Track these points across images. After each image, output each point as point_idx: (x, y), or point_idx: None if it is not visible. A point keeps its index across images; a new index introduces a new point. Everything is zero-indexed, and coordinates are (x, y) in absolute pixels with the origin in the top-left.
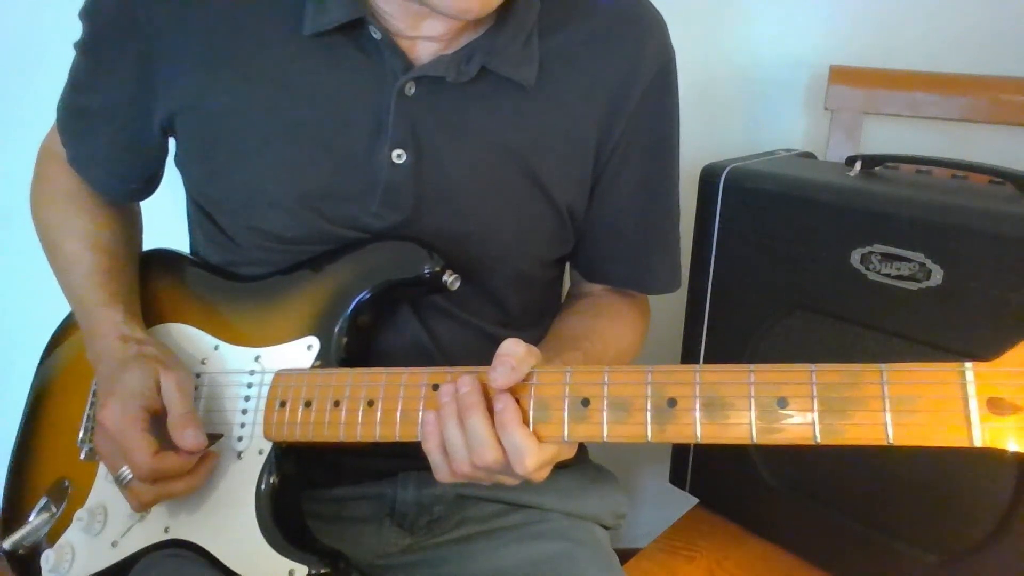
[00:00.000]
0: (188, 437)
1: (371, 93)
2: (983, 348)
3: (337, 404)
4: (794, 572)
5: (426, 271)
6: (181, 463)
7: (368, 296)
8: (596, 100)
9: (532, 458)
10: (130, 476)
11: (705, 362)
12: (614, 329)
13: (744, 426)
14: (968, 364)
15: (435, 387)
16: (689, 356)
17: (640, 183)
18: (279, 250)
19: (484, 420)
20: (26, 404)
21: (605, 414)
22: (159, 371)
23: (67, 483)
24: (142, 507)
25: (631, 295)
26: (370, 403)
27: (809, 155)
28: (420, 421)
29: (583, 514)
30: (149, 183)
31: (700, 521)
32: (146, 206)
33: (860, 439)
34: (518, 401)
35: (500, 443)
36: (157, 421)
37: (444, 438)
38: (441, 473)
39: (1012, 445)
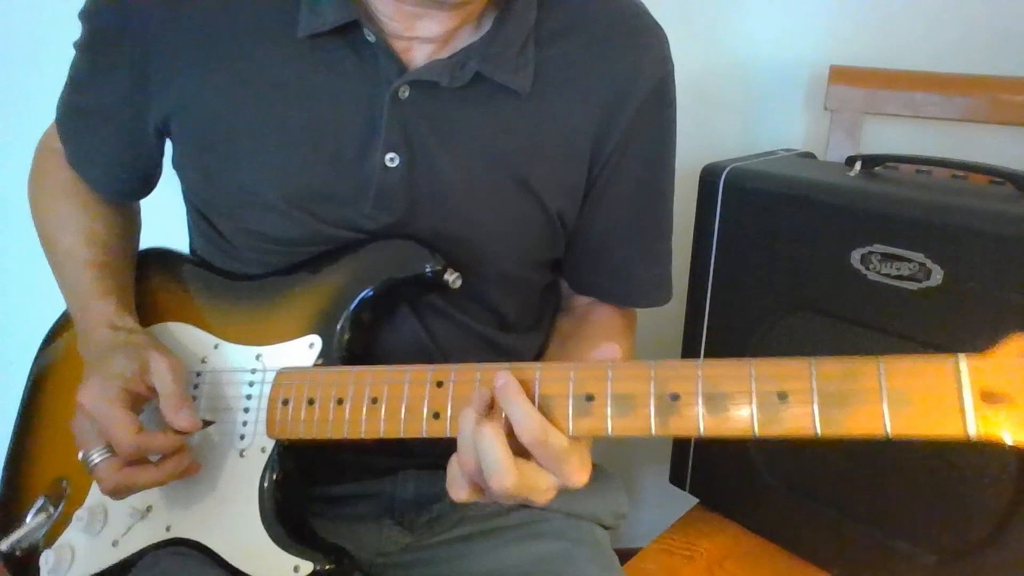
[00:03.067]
0: (183, 416)
1: (365, 96)
2: (983, 348)
3: (341, 402)
4: (794, 572)
5: (428, 270)
6: (167, 443)
7: (371, 294)
8: (591, 109)
9: (534, 425)
10: (97, 460)
11: None
12: (614, 348)
13: (746, 419)
14: (962, 356)
15: (439, 384)
16: (689, 356)
17: (632, 195)
18: (275, 252)
19: (495, 436)
20: (21, 403)
21: (609, 409)
22: (148, 354)
23: (65, 483)
24: (108, 493)
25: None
26: (374, 400)
27: (809, 155)
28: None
29: (583, 514)
30: (146, 183)
31: (700, 521)
32: (146, 206)
33: (859, 431)
34: (553, 399)
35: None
36: (140, 405)
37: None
38: (462, 490)
39: (1006, 436)
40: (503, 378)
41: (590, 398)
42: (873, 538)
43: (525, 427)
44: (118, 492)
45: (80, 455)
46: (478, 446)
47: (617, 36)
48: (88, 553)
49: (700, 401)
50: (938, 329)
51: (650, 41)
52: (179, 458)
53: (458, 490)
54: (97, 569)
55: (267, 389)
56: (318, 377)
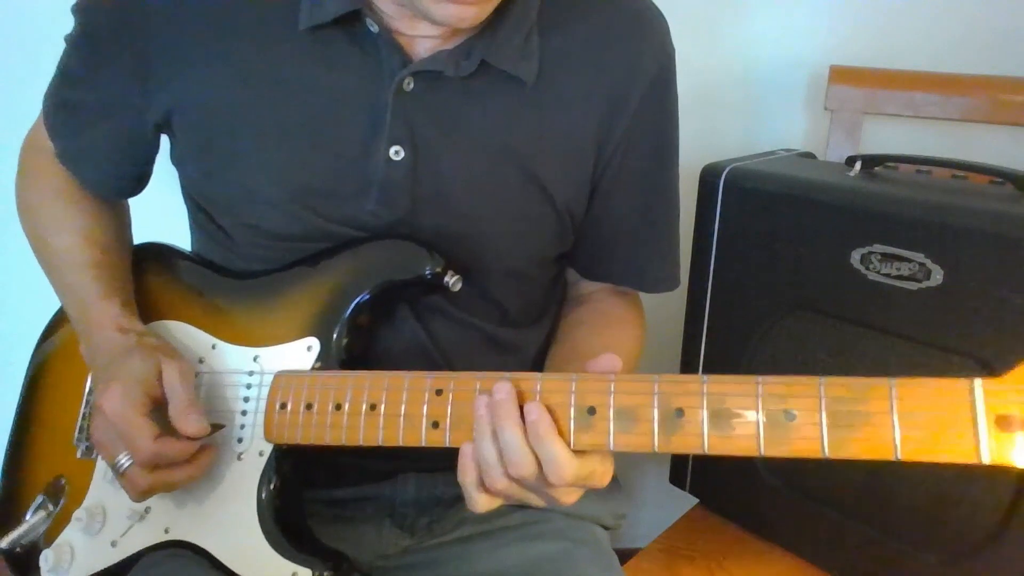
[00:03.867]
0: (191, 423)
1: (368, 89)
2: (983, 348)
3: (339, 407)
4: (794, 572)
5: (427, 272)
6: (181, 449)
7: (368, 297)
8: (596, 99)
9: (568, 470)
10: (127, 463)
11: (706, 361)
12: (628, 338)
13: (751, 438)
14: (978, 381)
15: (438, 392)
16: (689, 356)
17: (641, 183)
18: (276, 248)
19: (518, 429)
20: (19, 402)
21: (611, 423)
22: (160, 359)
23: (63, 481)
24: (139, 495)
25: (627, 294)
26: (372, 407)
27: (809, 155)
28: (460, 451)
29: (583, 514)
30: (139, 180)
31: (700, 521)
32: (146, 206)
33: (868, 454)
34: (554, 412)
35: (535, 455)
36: (157, 409)
37: (479, 457)
38: (477, 502)
39: (1018, 461)
40: (535, 412)
41: (592, 411)
42: (873, 538)
43: (556, 469)
44: (147, 495)
45: (104, 471)
46: (500, 434)
47: (618, 24)
48: (87, 553)
49: (705, 418)
50: (938, 329)
51: (652, 28)
52: (207, 455)
53: (474, 501)
54: (96, 569)
55: (265, 392)
56: (316, 381)
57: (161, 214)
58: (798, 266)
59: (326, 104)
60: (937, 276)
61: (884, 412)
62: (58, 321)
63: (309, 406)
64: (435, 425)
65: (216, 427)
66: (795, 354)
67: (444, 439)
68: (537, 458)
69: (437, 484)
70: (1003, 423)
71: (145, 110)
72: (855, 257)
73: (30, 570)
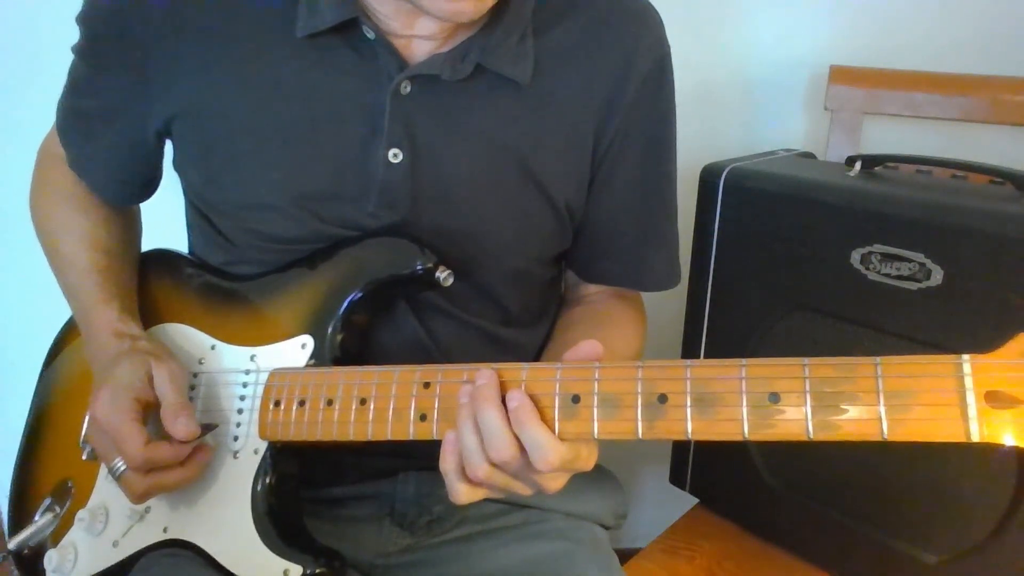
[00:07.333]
0: (180, 426)
1: (366, 93)
2: (983, 348)
3: (330, 403)
4: (794, 572)
5: (419, 267)
6: (173, 453)
7: (360, 295)
8: (592, 96)
9: (554, 454)
10: (123, 468)
11: None
12: (621, 337)
13: (736, 422)
14: (966, 356)
15: (426, 385)
16: (689, 356)
17: (636, 178)
18: (276, 251)
19: (498, 413)
20: (31, 406)
21: (595, 411)
22: (151, 362)
23: (70, 483)
24: (137, 499)
25: (628, 297)
26: (362, 401)
27: (809, 155)
28: (443, 439)
29: (583, 514)
30: (148, 186)
31: (700, 521)
32: (147, 207)
33: (854, 435)
34: (539, 401)
35: (517, 439)
36: (149, 413)
37: (461, 444)
38: (458, 492)
39: (1009, 439)
40: (517, 399)
41: (576, 399)
42: (873, 538)
43: (542, 455)
44: (145, 498)
45: (106, 472)
46: (480, 418)
47: (613, 20)
48: (90, 553)
49: (688, 403)
50: (938, 329)
51: (645, 23)
52: (202, 457)
53: (455, 491)
54: (98, 569)
55: (260, 390)
56: (309, 378)
57: (161, 216)
58: (798, 266)
59: (325, 108)
60: (937, 276)
61: (870, 391)
62: (68, 330)
63: (302, 403)
64: (423, 418)
65: (208, 428)
66: (795, 354)
67: (432, 432)
68: (520, 443)
69: (438, 483)
70: (993, 399)
71: (147, 116)
72: (855, 257)
73: (38, 571)
